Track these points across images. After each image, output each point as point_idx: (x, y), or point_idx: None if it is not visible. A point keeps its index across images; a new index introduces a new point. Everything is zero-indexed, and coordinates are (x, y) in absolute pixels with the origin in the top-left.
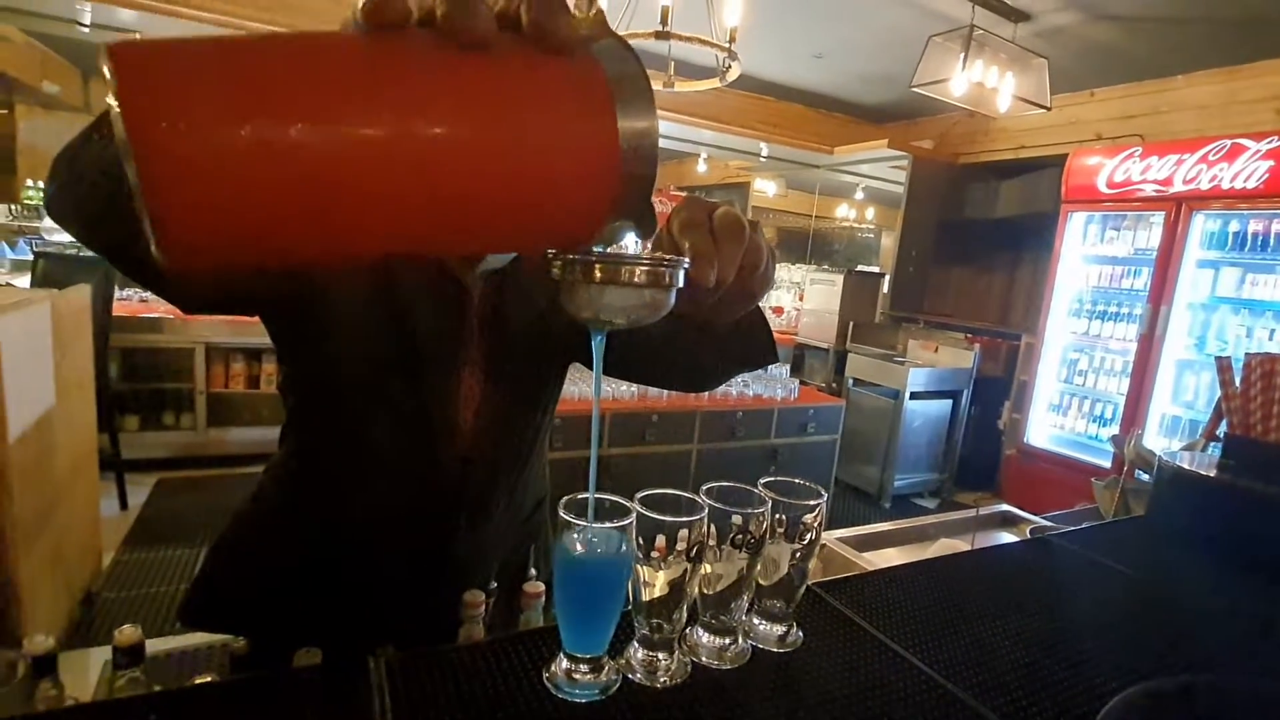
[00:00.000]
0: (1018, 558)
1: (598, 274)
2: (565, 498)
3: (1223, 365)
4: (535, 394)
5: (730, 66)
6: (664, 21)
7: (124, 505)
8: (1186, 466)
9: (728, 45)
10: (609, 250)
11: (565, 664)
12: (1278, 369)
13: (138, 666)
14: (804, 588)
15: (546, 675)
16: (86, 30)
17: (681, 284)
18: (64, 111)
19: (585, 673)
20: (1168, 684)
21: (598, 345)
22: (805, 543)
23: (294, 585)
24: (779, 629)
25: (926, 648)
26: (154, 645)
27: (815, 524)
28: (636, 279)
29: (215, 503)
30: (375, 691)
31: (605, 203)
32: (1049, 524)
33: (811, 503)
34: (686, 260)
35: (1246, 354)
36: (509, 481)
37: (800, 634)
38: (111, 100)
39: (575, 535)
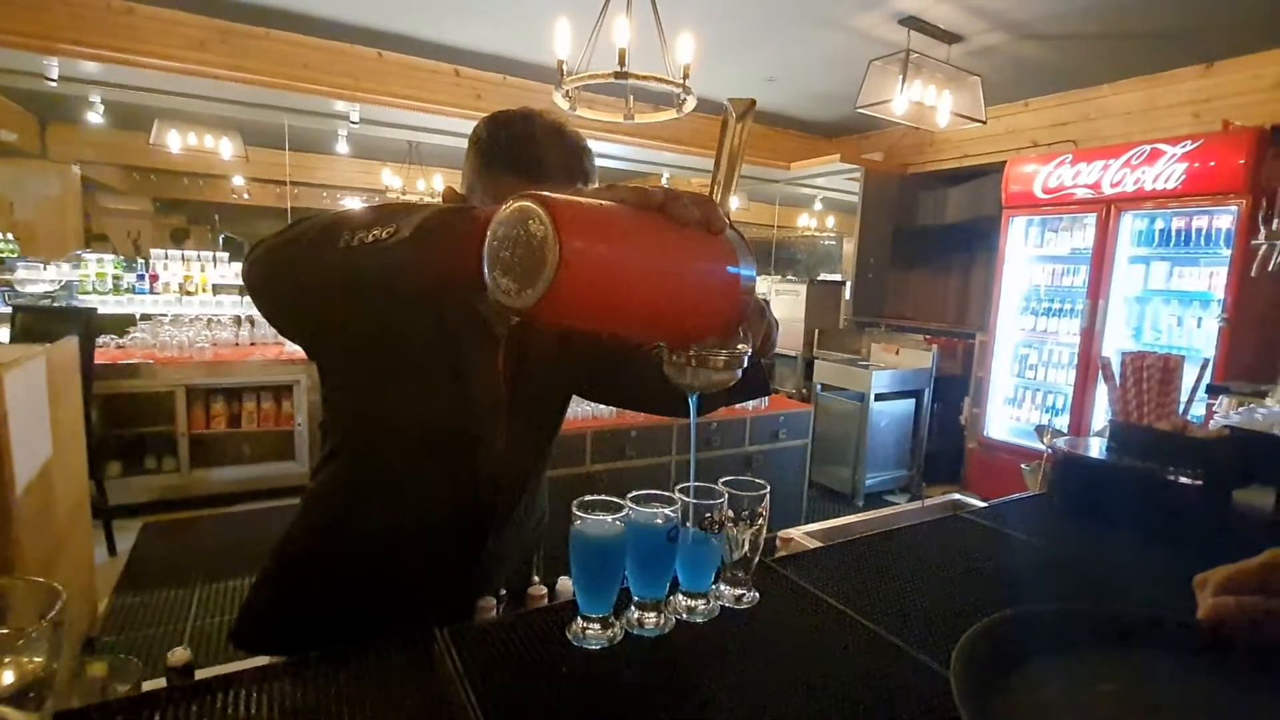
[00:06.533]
0: (930, 531)
1: (693, 361)
2: (577, 499)
3: (1103, 365)
4: (550, 421)
5: (685, 100)
6: (621, 63)
7: (112, 551)
8: (1069, 450)
9: (682, 81)
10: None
11: (581, 623)
12: (1146, 364)
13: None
14: (757, 559)
15: (568, 632)
16: (55, 84)
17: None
18: (21, 158)
19: (596, 629)
20: (1007, 614)
21: (694, 402)
22: (756, 525)
23: (333, 602)
24: (740, 591)
25: (852, 598)
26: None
27: (763, 510)
28: (721, 365)
29: (203, 544)
30: (444, 653)
31: (731, 320)
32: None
33: (760, 494)
34: (749, 349)
35: (1123, 352)
36: (529, 495)
37: (757, 594)
38: (542, 226)
39: (585, 525)
